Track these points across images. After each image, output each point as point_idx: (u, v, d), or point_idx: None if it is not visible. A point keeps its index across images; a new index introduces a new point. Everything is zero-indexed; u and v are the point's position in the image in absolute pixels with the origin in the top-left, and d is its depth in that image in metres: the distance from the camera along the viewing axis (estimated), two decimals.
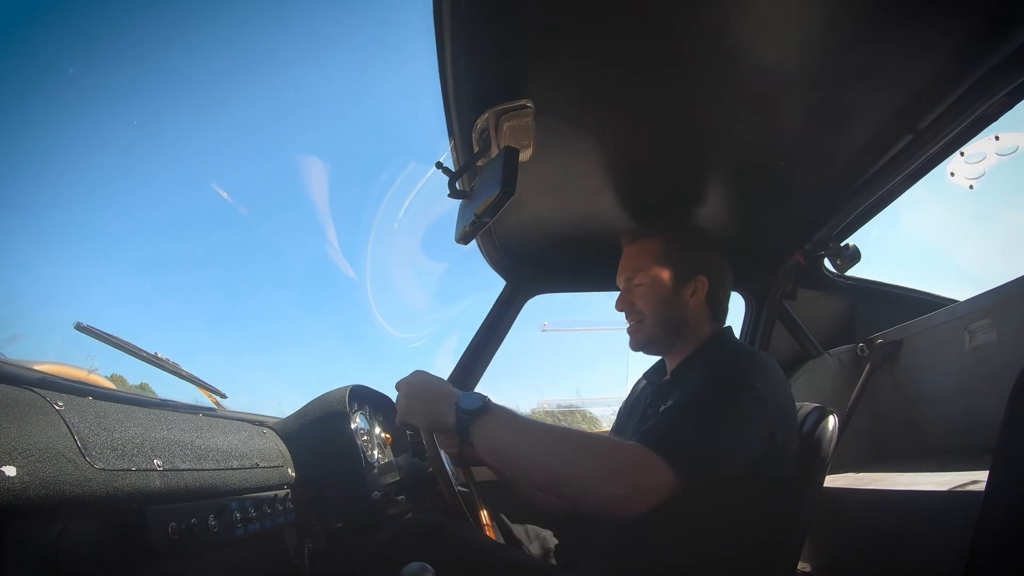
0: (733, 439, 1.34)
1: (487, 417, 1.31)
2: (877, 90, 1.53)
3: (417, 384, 1.41)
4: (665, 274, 1.68)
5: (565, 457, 1.29)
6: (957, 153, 1.86)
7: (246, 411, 1.99)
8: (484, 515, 1.62)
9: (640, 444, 1.28)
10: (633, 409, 1.82)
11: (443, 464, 1.58)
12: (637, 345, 1.75)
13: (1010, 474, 0.93)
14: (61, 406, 1.03)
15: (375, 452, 1.90)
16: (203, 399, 1.93)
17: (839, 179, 1.94)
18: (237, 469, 1.41)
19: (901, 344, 2.52)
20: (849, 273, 2.47)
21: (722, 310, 1.74)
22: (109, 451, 1.05)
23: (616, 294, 1.77)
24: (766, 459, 1.36)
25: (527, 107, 1.45)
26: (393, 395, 1.47)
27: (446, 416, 1.33)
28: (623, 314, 1.76)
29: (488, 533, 1.60)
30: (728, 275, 1.76)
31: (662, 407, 1.51)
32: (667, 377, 1.70)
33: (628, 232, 1.79)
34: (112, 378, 1.65)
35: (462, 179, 1.60)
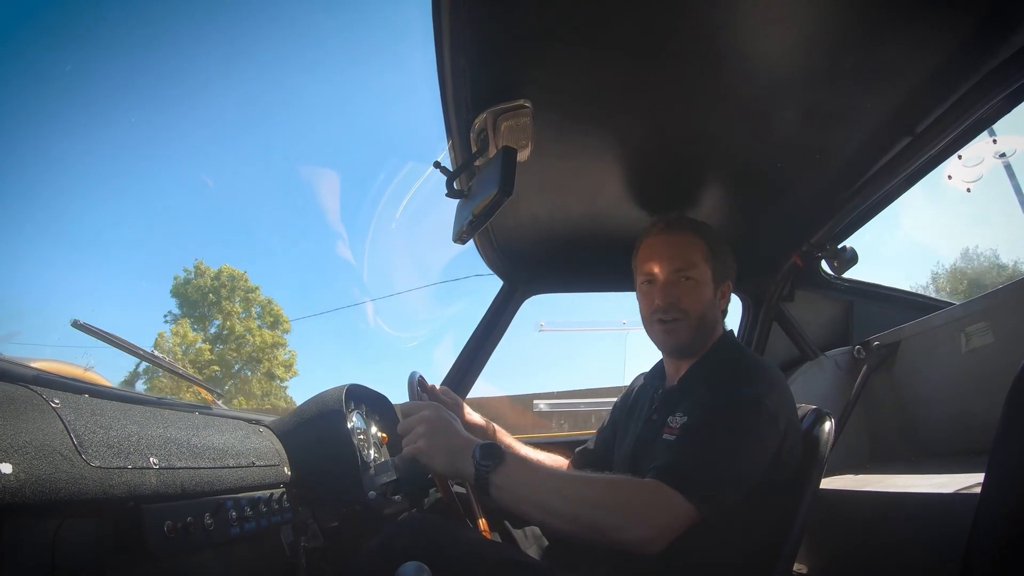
0: (748, 462, 1.35)
1: (505, 468, 1.31)
2: (875, 93, 1.54)
3: (439, 426, 1.40)
4: (709, 275, 1.64)
5: (586, 507, 1.29)
6: (955, 156, 1.87)
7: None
8: (480, 514, 1.63)
9: (658, 482, 1.28)
10: (632, 413, 1.81)
11: None
12: (674, 348, 1.68)
13: (1006, 476, 0.93)
14: (57, 403, 1.03)
15: (371, 451, 1.90)
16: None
17: (837, 181, 1.94)
18: (233, 467, 1.40)
19: (898, 346, 2.52)
20: (846, 275, 2.47)
21: (725, 314, 1.74)
22: (105, 449, 1.05)
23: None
24: (770, 467, 1.37)
25: (525, 107, 1.45)
26: (392, 395, 1.46)
27: (465, 466, 1.33)
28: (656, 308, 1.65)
29: (485, 533, 1.60)
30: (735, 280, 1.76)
31: (670, 419, 1.50)
32: (673, 384, 1.68)
33: (671, 220, 1.70)
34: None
35: (460, 179, 1.60)
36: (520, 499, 1.32)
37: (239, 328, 24.62)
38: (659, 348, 1.72)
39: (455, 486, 1.64)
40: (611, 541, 1.28)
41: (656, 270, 1.64)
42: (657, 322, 1.65)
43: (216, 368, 24.01)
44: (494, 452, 1.32)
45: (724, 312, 1.71)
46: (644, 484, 1.30)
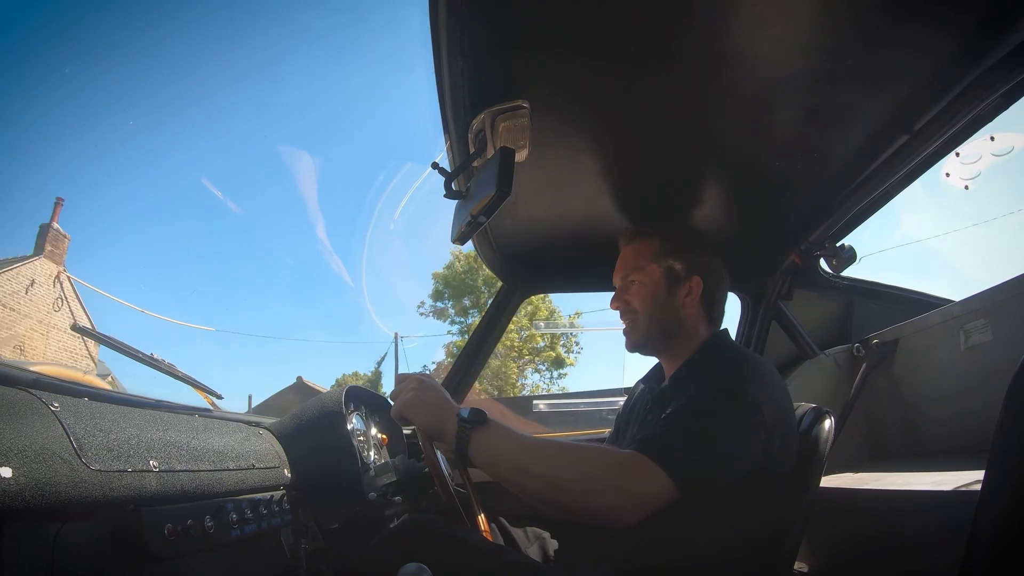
0: (730, 446, 1.35)
1: (486, 429, 1.33)
2: (873, 91, 1.54)
3: (427, 385, 1.44)
4: (660, 274, 1.68)
5: (561, 468, 1.31)
6: (952, 154, 1.87)
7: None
8: (481, 516, 1.63)
9: (636, 452, 1.29)
10: (631, 416, 1.82)
11: (440, 465, 1.58)
12: (632, 346, 1.74)
13: (1006, 474, 0.93)
14: (57, 407, 1.03)
15: (371, 453, 1.90)
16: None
17: (835, 179, 1.94)
18: (233, 470, 1.41)
19: (897, 344, 2.52)
20: (845, 273, 2.47)
21: (718, 313, 1.74)
22: (105, 452, 1.05)
23: (611, 294, 1.77)
24: (764, 462, 1.37)
25: (523, 108, 1.45)
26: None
27: (447, 423, 1.36)
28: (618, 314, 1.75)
29: (485, 533, 1.60)
30: (724, 278, 1.75)
31: (662, 415, 1.52)
32: (665, 383, 1.70)
33: (625, 231, 1.79)
34: None
35: (458, 180, 1.60)
36: (497, 460, 1.34)
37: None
38: (626, 348, 1.79)
39: (455, 486, 1.64)
40: (583, 507, 1.30)
41: (615, 281, 1.78)
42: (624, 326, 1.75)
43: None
44: (479, 415, 1.35)
45: (710, 308, 1.70)
46: (622, 454, 1.33)
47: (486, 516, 1.66)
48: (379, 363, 26.77)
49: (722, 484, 1.32)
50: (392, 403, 1.46)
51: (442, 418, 1.38)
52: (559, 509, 1.37)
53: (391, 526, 1.66)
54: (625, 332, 1.74)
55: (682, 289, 1.67)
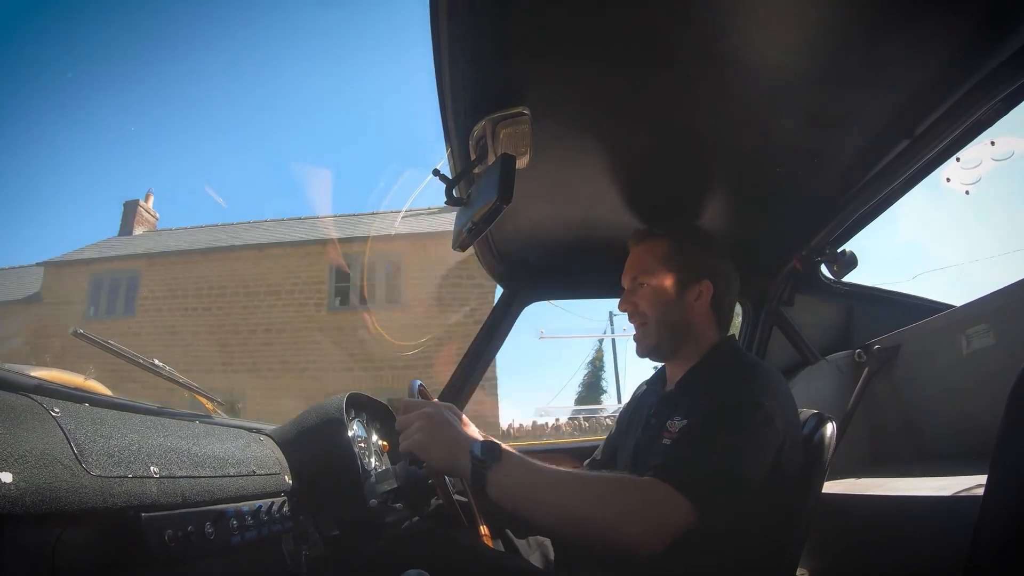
0: (747, 464, 1.35)
1: (501, 466, 1.32)
2: (873, 96, 1.54)
3: (435, 420, 1.41)
4: (670, 277, 1.67)
5: (582, 502, 1.30)
6: (953, 159, 1.87)
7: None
8: (482, 522, 1.62)
9: (656, 480, 1.29)
10: (634, 417, 1.82)
11: (441, 472, 1.58)
12: (644, 351, 1.72)
13: (1008, 478, 0.93)
14: (57, 412, 1.03)
15: (372, 459, 1.90)
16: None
17: (835, 185, 1.95)
18: (234, 476, 1.40)
19: (898, 349, 2.52)
20: (846, 279, 2.47)
21: (727, 318, 1.73)
22: (106, 458, 1.05)
23: (614, 300, 1.77)
24: (771, 471, 1.36)
25: (524, 114, 1.45)
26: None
27: (462, 462, 1.34)
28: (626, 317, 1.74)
29: (486, 540, 1.60)
30: (734, 282, 1.75)
31: (668, 422, 1.51)
32: (671, 388, 1.69)
33: (635, 233, 1.79)
34: None
35: (459, 186, 1.60)
36: (516, 496, 1.32)
37: None
38: (637, 354, 1.77)
39: (456, 494, 1.64)
40: (606, 540, 1.31)
41: (624, 282, 1.75)
42: (633, 331, 1.74)
43: None
44: (493, 449, 1.33)
45: (719, 313, 1.70)
46: (641, 482, 1.31)
47: (486, 522, 1.66)
48: None
49: (743, 503, 1.33)
50: (398, 429, 1.46)
51: (455, 454, 1.35)
52: (582, 541, 1.39)
53: (393, 532, 1.66)
54: (636, 338, 1.73)
55: (691, 293, 1.66)
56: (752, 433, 1.37)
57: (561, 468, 1.38)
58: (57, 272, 16.67)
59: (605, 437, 2.02)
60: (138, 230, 18.48)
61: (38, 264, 16.75)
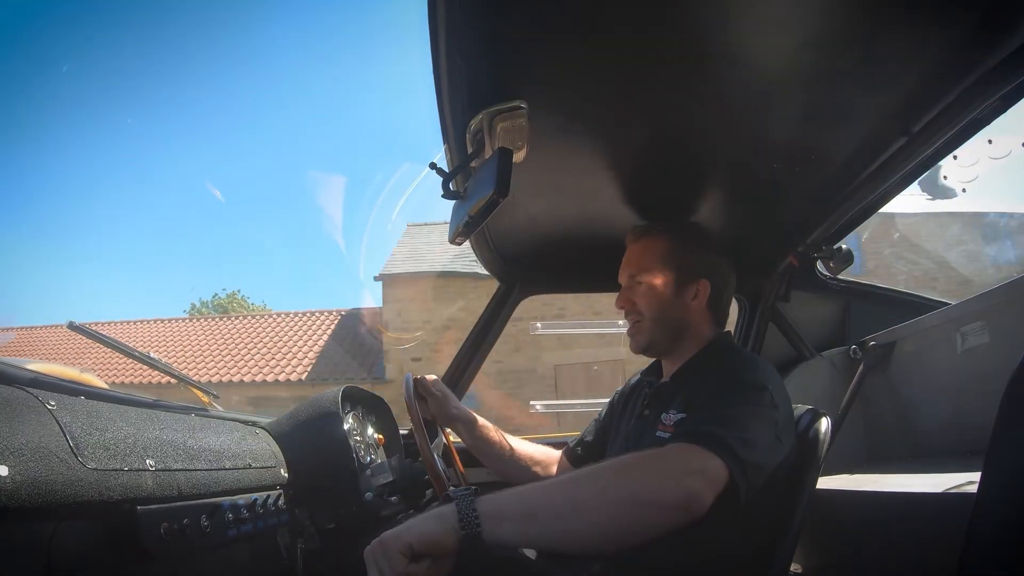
0: (759, 433, 1.33)
1: (483, 495, 1.14)
2: (870, 93, 1.54)
3: (387, 538, 1.09)
4: (667, 275, 1.67)
5: (603, 490, 1.17)
6: (950, 156, 1.87)
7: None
8: None
9: (680, 443, 1.25)
10: (626, 407, 1.82)
11: (437, 465, 1.59)
12: (638, 347, 1.72)
13: (1002, 475, 0.93)
14: (53, 405, 1.03)
15: (367, 453, 1.90)
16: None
17: (832, 182, 1.94)
18: (230, 469, 1.41)
19: (894, 346, 2.52)
20: (842, 276, 2.48)
21: (723, 315, 1.74)
22: (101, 451, 1.05)
23: (611, 295, 1.77)
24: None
25: (521, 108, 1.45)
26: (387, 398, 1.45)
27: (446, 514, 1.11)
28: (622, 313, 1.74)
29: None
30: (731, 280, 1.76)
31: (663, 415, 1.52)
32: (665, 380, 1.70)
33: (633, 229, 1.78)
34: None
35: (456, 180, 1.60)
36: (525, 515, 1.14)
37: None
38: (630, 350, 1.76)
39: (451, 487, 1.64)
40: (644, 520, 1.16)
41: (620, 279, 1.75)
42: (628, 327, 1.73)
43: None
44: (464, 496, 1.13)
45: (716, 311, 1.71)
46: (662, 450, 1.26)
47: None
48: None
49: (763, 468, 1.30)
50: None
51: (434, 519, 1.11)
52: (621, 537, 1.18)
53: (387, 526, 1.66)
54: (630, 333, 1.73)
55: (689, 291, 1.67)
56: (761, 410, 1.37)
57: (555, 476, 1.26)
58: None
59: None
60: None
61: None
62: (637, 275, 1.70)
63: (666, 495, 1.16)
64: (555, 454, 1.99)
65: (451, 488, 1.19)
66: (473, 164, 1.55)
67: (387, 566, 1.05)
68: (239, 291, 30.84)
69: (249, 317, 19.38)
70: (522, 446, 1.96)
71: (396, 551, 1.05)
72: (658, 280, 1.67)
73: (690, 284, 1.67)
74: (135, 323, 19.18)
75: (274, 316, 19.21)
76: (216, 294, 31.09)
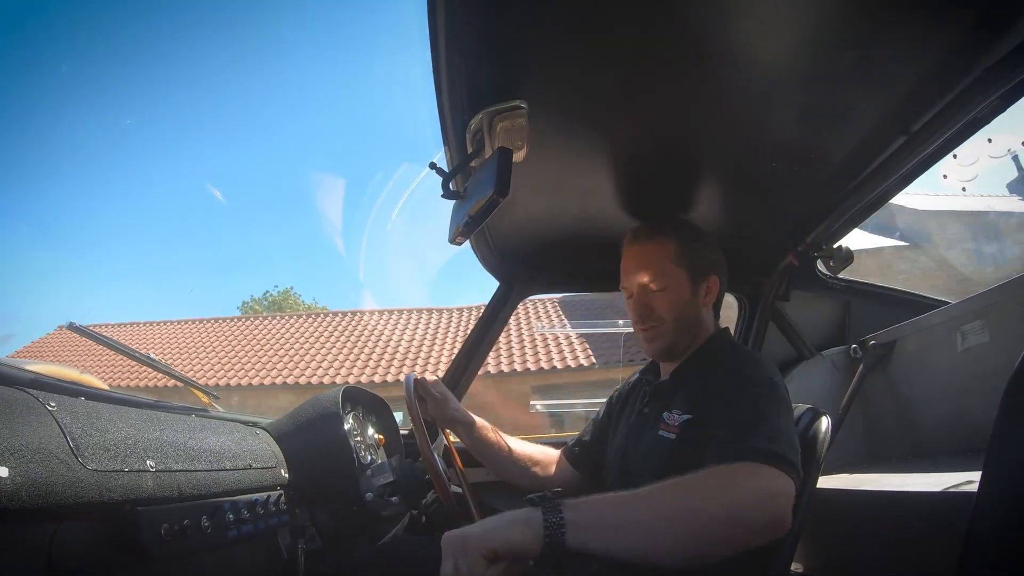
0: (791, 426, 1.36)
1: (570, 503, 1.15)
2: (870, 91, 1.54)
3: (471, 535, 1.13)
4: (683, 276, 1.65)
5: (695, 509, 1.16)
6: (950, 155, 1.87)
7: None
8: (478, 516, 1.63)
9: (746, 463, 1.22)
10: (625, 406, 1.82)
11: (437, 466, 1.59)
12: (657, 353, 1.70)
13: (1002, 474, 0.93)
14: (53, 407, 1.03)
15: (368, 453, 1.91)
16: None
17: (832, 180, 1.94)
18: (230, 470, 1.41)
19: (894, 345, 2.52)
20: (842, 275, 2.48)
21: (719, 310, 1.74)
22: (102, 452, 1.05)
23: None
24: None
25: (521, 108, 1.45)
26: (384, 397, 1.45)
27: (532, 520, 1.12)
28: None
29: None
30: (727, 276, 1.76)
31: (666, 414, 1.52)
32: (665, 378, 1.69)
33: (635, 231, 1.74)
34: None
35: (456, 180, 1.60)
36: (607, 533, 1.14)
37: None
38: (646, 355, 1.75)
39: (452, 486, 1.64)
40: (734, 541, 1.17)
41: (629, 284, 1.70)
42: (640, 332, 1.69)
43: None
44: (550, 499, 1.16)
45: (718, 305, 1.71)
46: (731, 469, 1.22)
47: (483, 518, 1.66)
48: None
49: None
50: None
51: (520, 525, 1.12)
52: (714, 552, 1.18)
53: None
54: (647, 339, 1.68)
55: (702, 290, 1.67)
56: (783, 403, 1.39)
57: (628, 492, 1.24)
58: None
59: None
60: None
61: None
62: (651, 280, 1.66)
63: (757, 517, 1.17)
64: (554, 454, 1.99)
65: (534, 494, 1.18)
66: (473, 164, 1.55)
67: (465, 565, 1.07)
68: (292, 288, 30.49)
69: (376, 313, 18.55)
70: (521, 447, 1.96)
71: (478, 553, 1.08)
72: (675, 282, 1.65)
73: (702, 282, 1.67)
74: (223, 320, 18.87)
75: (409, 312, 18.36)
76: (267, 291, 30.61)
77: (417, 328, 16.66)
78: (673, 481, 1.20)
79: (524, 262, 2.41)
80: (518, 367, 13.31)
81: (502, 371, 13.18)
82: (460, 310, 17.41)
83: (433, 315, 17.48)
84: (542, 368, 13.19)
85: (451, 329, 16.43)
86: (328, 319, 18.23)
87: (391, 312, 17.82)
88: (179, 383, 2.26)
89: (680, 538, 1.14)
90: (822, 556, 2.16)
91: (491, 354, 2.62)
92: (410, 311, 17.73)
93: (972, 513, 0.94)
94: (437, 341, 15.67)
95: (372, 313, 18.09)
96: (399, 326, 16.90)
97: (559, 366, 13.18)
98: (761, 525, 1.17)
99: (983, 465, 0.96)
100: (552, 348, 14.19)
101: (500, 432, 1.96)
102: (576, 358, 13.38)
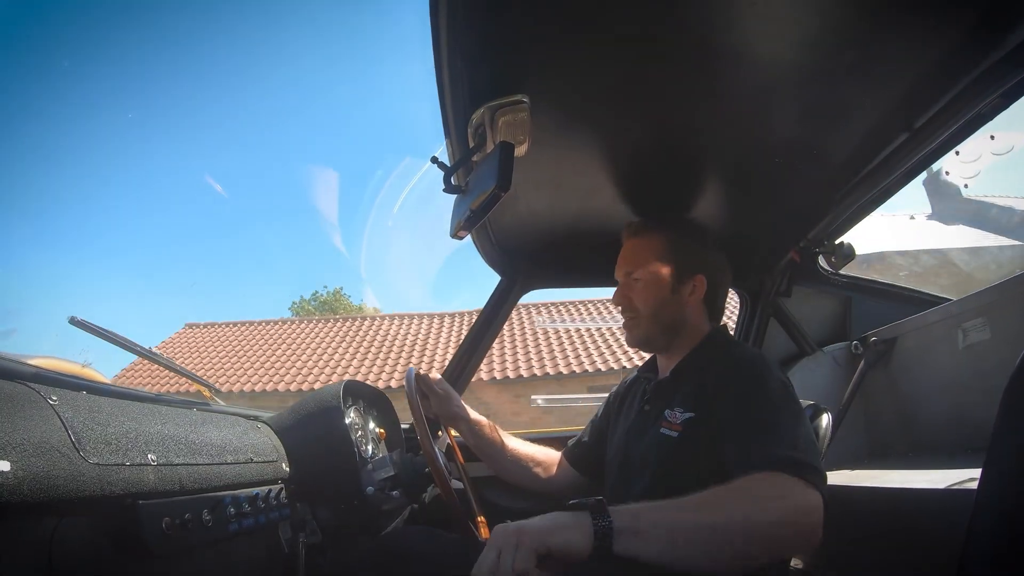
0: (809, 430, 1.36)
1: (614, 508, 1.13)
2: (873, 88, 1.54)
3: (529, 528, 1.09)
4: (665, 272, 1.67)
5: (740, 521, 1.14)
6: (952, 152, 1.86)
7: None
8: (479, 512, 1.63)
9: (775, 474, 1.21)
10: (624, 404, 1.82)
11: (438, 460, 1.59)
12: (634, 342, 1.73)
13: (1003, 472, 0.93)
14: (55, 400, 1.03)
15: (369, 447, 1.91)
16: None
17: (834, 177, 1.94)
18: (231, 464, 1.41)
19: (895, 342, 2.52)
20: (843, 271, 2.47)
21: (719, 310, 1.74)
22: (103, 446, 1.05)
23: (611, 290, 1.77)
24: None
25: (523, 103, 1.44)
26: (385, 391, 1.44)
27: (583, 524, 1.10)
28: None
29: (483, 529, 1.61)
30: (727, 276, 1.76)
31: (667, 412, 1.52)
32: (665, 376, 1.69)
33: (630, 225, 1.78)
34: None
35: (457, 174, 1.60)
36: (660, 538, 1.12)
37: None
38: (626, 342, 1.78)
39: (453, 481, 1.64)
40: (773, 553, 1.19)
41: (619, 274, 1.75)
42: (623, 320, 1.74)
43: None
44: (598, 503, 1.13)
45: (711, 306, 1.71)
46: (764, 482, 1.21)
47: (483, 513, 1.67)
48: None
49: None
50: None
51: (574, 528, 1.10)
52: (753, 561, 1.17)
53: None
54: (626, 327, 1.73)
55: (686, 288, 1.67)
56: (797, 406, 1.39)
57: (667, 501, 1.24)
58: None
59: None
60: None
61: None
62: (634, 272, 1.70)
63: (792, 531, 1.17)
64: (555, 455, 1.99)
65: (580, 499, 1.15)
66: (475, 158, 1.55)
67: (512, 559, 1.04)
68: (342, 288, 30.43)
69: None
70: (523, 447, 1.96)
71: (532, 549, 1.05)
72: (655, 277, 1.67)
73: (687, 280, 1.67)
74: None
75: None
76: (316, 291, 30.21)
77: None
78: (716, 489, 1.19)
79: (526, 257, 2.41)
80: (523, 372, 13.23)
81: (507, 376, 13.10)
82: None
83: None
84: (547, 373, 13.11)
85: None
86: (387, 322, 17.68)
87: (442, 316, 17.43)
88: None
89: (720, 547, 1.13)
90: (822, 552, 2.17)
91: (493, 357, 2.62)
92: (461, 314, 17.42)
93: (972, 510, 0.95)
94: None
95: (423, 317, 17.56)
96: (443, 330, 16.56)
97: (564, 371, 13.11)
98: (797, 538, 1.19)
99: (983, 463, 0.96)
100: (555, 349, 14.13)
101: (502, 431, 1.96)
102: (581, 364, 13.33)
